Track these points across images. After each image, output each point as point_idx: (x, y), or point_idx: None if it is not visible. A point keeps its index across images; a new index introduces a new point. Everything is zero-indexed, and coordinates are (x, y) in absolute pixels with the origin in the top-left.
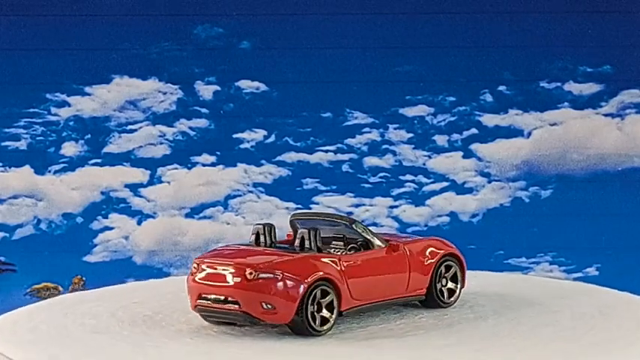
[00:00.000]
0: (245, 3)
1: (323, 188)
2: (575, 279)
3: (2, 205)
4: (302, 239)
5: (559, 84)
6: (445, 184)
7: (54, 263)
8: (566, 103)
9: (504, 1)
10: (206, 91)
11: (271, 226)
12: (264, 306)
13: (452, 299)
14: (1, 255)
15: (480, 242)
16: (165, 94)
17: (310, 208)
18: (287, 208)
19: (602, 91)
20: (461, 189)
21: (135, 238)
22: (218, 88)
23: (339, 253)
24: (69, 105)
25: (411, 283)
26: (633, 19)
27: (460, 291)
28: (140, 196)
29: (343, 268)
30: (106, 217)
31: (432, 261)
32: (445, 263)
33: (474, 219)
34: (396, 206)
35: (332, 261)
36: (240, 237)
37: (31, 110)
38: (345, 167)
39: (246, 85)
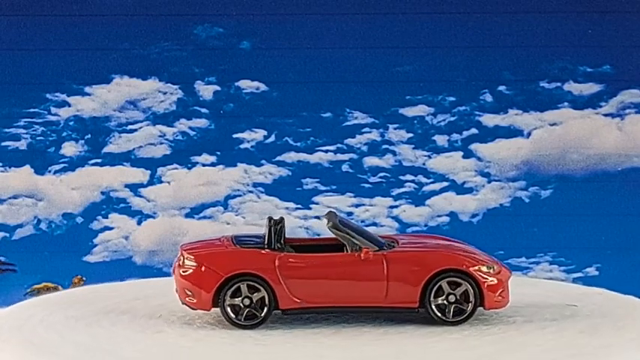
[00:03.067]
0: (245, 3)
1: (323, 188)
2: (575, 279)
3: (2, 205)
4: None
5: (559, 84)
6: (445, 184)
7: (54, 263)
8: (566, 103)
9: (504, 1)
10: (206, 91)
11: (279, 220)
12: (187, 292)
13: (453, 318)
14: (1, 255)
15: (480, 242)
16: (165, 94)
17: (310, 209)
18: (287, 208)
19: (602, 91)
20: (461, 189)
21: (135, 238)
22: (218, 88)
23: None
24: (69, 105)
25: (391, 292)
26: (633, 19)
27: (472, 311)
28: (140, 196)
29: (280, 267)
30: (106, 217)
31: (423, 274)
32: (448, 279)
33: (474, 219)
34: (396, 206)
35: (269, 259)
36: None
37: (31, 110)
38: (345, 167)
39: (246, 85)
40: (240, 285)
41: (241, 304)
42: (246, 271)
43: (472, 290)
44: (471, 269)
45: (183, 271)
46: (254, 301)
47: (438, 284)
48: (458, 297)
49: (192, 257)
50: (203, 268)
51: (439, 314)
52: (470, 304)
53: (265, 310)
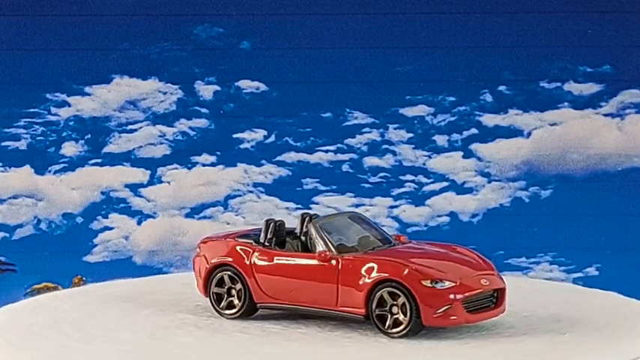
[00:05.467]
0: (245, 3)
1: (323, 188)
2: (575, 279)
3: (2, 205)
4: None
5: (559, 84)
6: (445, 184)
7: (54, 263)
8: (566, 103)
9: (504, 1)
10: (206, 91)
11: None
12: (195, 277)
13: (392, 329)
14: (1, 255)
15: (480, 242)
16: (165, 94)
17: (310, 208)
18: (287, 208)
19: (602, 91)
20: (461, 189)
21: (135, 238)
22: (218, 88)
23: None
24: (69, 105)
25: (341, 298)
26: (633, 19)
27: (409, 325)
28: (140, 196)
29: (252, 262)
30: (106, 217)
31: (366, 283)
32: (388, 289)
33: (474, 219)
34: (396, 206)
35: (245, 253)
36: None
37: (31, 110)
38: (345, 167)
39: (246, 85)
40: (223, 275)
41: (224, 294)
42: (227, 263)
43: (408, 303)
44: (408, 281)
45: (195, 259)
46: (236, 292)
47: (377, 294)
48: (399, 309)
49: (199, 247)
50: (200, 257)
51: (380, 325)
52: (407, 318)
53: (241, 302)
